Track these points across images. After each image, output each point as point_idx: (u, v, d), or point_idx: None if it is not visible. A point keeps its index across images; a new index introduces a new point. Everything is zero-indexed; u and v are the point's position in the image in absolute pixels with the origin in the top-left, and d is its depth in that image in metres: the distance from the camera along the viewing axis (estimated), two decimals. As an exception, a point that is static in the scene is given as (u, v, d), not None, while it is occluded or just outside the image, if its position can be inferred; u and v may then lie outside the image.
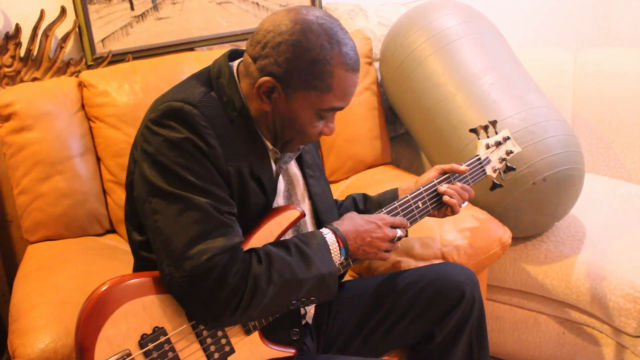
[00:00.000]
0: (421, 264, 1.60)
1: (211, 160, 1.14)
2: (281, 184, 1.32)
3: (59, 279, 1.55)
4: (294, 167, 1.36)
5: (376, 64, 2.27)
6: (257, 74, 1.17)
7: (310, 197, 1.38)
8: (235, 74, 1.23)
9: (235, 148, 1.19)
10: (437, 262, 1.62)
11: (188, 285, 1.09)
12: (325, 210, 1.40)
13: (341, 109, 1.22)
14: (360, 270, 1.74)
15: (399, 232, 1.33)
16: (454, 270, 1.44)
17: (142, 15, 2.09)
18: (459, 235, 1.68)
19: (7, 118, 1.76)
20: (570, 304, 1.88)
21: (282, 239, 1.24)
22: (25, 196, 1.77)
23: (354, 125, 2.13)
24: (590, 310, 1.83)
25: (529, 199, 1.80)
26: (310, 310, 1.39)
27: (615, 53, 2.45)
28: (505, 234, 1.72)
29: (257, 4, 2.21)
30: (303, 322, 1.36)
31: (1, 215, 2.03)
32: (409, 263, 1.62)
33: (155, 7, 2.09)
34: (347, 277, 1.69)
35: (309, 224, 1.37)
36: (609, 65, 2.37)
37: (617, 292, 1.75)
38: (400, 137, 2.38)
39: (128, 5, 2.06)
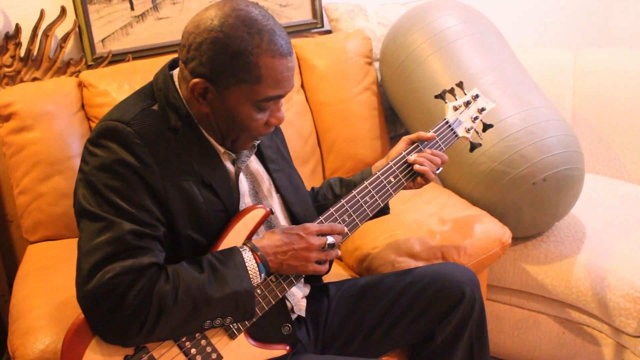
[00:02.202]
0: (421, 264, 1.60)
1: (145, 178, 1.14)
2: (244, 184, 1.31)
3: (59, 279, 1.54)
4: (255, 164, 1.35)
5: (376, 64, 2.27)
6: (189, 78, 1.17)
7: (278, 191, 1.37)
8: (177, 82, 1.23)
9: (176, 162, 1.18)
10: (437, 262, 1.62)
11: (91, 304, 1.09)
12: (297, 202, 1.38)
13: (280, 97, 1.20)
14: (360, 270, 1.74)
15: (330, 239, 1.26)
16: (454, 270, 1.44)
17: (142, 15, 2.09)
18: (459, 235, 1.68)
19: (7, 118, 1.76)
20: (570, 304, 1.88)
21: (200, 256, 1.20)
22: (25, 196, 1.77)
23: (354, 125, 2.13)
24: (590, 310, 1.83)
25: (529, 199, 1.80)
26: (300, 303, 1.37)
27: (615, 53, 2.45)
28: (505, 234, 1.72)
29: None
30: (294, 316, 1.35)
31: (1, 215, 2.03)
32: (409, 263, 1.62)
33: (155, 7, 2.09)
34: (347, 277, 1.70)
35: (280, 218, 1.35)
36: (609, 65, 2.37)
37: (617, 292, 1.75)
38: (400, 137, 2.37)
39: (128, 5, 2.06)
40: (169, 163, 1.17)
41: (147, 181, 1.14)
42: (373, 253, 1.70)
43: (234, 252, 1.20)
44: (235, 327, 1.22)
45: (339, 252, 1.31)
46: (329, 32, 2.36)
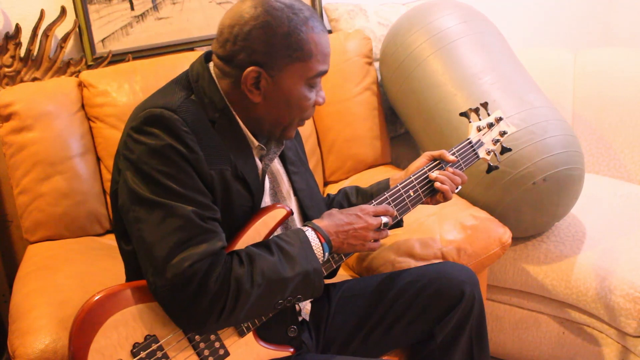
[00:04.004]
0: (421, 264, 1.60)
1: (193, 165, 1.14)
2: (267, 182, 1.31)
3: (59, 279, 1.55)
4: (276, 164, 1.36)
5: (376, 64, 2.27)
6: (236, 71, 1.18)
7: (296, 194, 1.37)
8: (214, 75, 1.23)
9: (217, 150, 1.19)
10: (437, 262, 1.62)
11: (171, 293, 1.09)
12: (312, 206, 1.39)
13: (326, 71, 1.24)
14: (360, 270, 1.74)
15: (384, 219, 1.31)
16: (454, 269, 1.44)
17: (142, 15, 2.09)
18: (459, 235, 1.68)
19: (7, 118, 1.76)
20: (570, 304, 1.88)
21: (263, 239, 1.22)
22: (25, 196, 1.77)
23: (354, 125, 2.13)
24: (590, 310, 1.83)
25: (529, 199, 1.80)
26: (306, 306, 1.38)
27: (615, 53, 2.45)
28: (505, 234, 1.72)
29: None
30: (300, 318, 1.36)
31: (1, 215, 2.03)
32: (409, 263, 1.62)
33: (155, 7, 2.09)
34: (347, 277, 1.70)
35: (296, 221, 1.36)
36: (609, 65, 2.37)
37: (617, 292, 1.75)
38: (400, 137, 2.38)
39: (128, 5, 2.06)
40: (212, 152, 1.18)
41: (195, 168, 1.14)
42: (373, 253, 1.70)
43: (298, 232, 1.22)
44: (245, 326, 1.23)
45: (389, 233, 1.34)
46: (329, 32, 2.36)
